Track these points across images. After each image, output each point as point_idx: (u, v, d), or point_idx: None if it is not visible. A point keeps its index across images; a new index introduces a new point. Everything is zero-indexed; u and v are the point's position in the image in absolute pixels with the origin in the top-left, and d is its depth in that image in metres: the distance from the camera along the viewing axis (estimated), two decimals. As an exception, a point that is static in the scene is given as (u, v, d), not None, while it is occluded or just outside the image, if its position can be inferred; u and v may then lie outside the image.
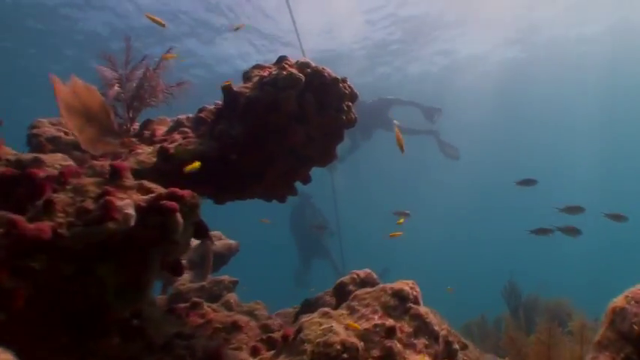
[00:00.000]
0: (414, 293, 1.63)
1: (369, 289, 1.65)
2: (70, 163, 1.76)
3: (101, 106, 2.38)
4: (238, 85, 1.87)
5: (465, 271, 24.26)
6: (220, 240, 3.68)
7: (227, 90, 1.80)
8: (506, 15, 10.50)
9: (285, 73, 1.69)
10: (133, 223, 1.35)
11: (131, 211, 1.35)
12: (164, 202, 1.40)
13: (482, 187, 24.34)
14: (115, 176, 1.49)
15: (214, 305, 2.40)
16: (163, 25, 2.94)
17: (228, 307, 2.98)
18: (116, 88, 2.48)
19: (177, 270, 1.55)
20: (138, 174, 1.84)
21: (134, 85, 2.51)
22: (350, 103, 1.87)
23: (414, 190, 22.39)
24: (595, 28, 11.52)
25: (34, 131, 2.63)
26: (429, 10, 10.20)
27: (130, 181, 1.51)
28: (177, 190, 1.44)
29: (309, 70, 1.73)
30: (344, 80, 1.91)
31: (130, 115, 2.53)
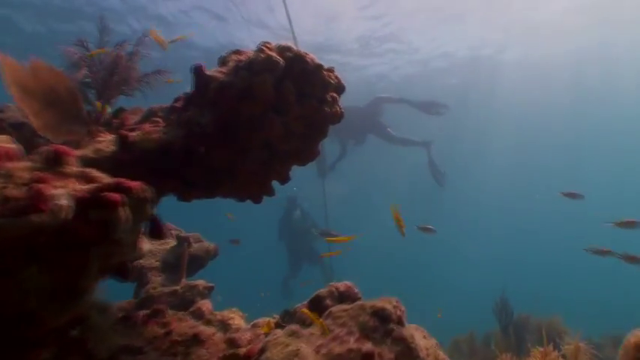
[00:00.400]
0: (398, 313, 1.42)
1: (346, 306, 1.44)
2: (12, 146, 1.54)
3: (68, 91, 2.18)
4: (212, 69, 1.67)
5: (460, 283, 24.05)
6: (199, 242, 3.45)
7: (198, 73, 1.60)
8: (510, 14, 10.35)
9: (262, 55, 1.49)
10: (66, 216, 1.14)
11: (65, 202, 1.14)
12: (106, 193, 1.19)
13: (482, 199, 24.22)
14: (55, 162, 1.28)
15: (180, 314, 2.18)
16: (165, 47, 2.80)
17: (200, 314, 2.76)
18: (84, 71, 2.30)
19: (122, 274, 1.33)
20: (93, 163, 1.63)
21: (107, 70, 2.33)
22: (335, 95, 1.67)
23: (412, 198, 22.16)
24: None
25: (-1, 116, 2.42)
26: (427, 5, 10.01)
27: (72, 168, 1.30)
28: (124, 180, 1.23)
29: (289, 54, 1.53)
30: (330, 70, 1.71)
31: (102, 102, 2.34)
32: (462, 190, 21.11)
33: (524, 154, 20.94)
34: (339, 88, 1.71)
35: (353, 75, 12.25)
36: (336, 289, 1.71)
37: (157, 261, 3.26)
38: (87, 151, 1.71)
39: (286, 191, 10.21)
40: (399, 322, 1.41)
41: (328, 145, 7.89)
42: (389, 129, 8.19)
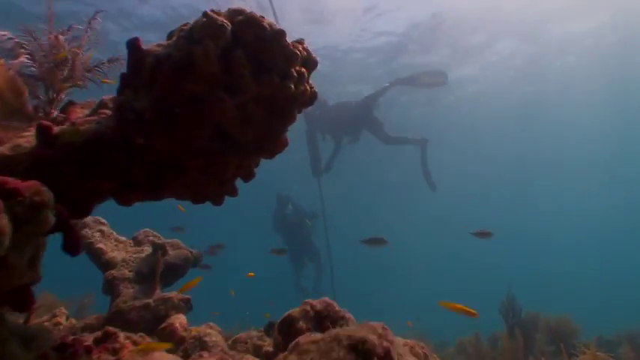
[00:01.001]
0: (384, 344, 1.10)
1: (316, 337, 1.12)
2: None
3: (8, 83, 1.88)
4: (151, 44, 1.36)
5: (463, 281, 23.68)
6: (177, 249, 3.15)
7: (132, 48, 1.29)
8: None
9: (203, 19, 1.18)
10: None
11: None
12: (-18, 199, 0.88)
13: (482, 196, 23.81)
14: None
15: (137, 335, 1.87)
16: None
17: (171, 331, 2.46)
18: (23, 59, 2.00)
19: (19, 302, 1.02)
20: (7, 162, 1.33)
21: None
22: (303, 70, 1.35)
23: (411, 199, 21.73)
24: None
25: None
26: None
27: (-52, 166, 1.00)
28: (7, 180, 0.93)
29: (240, 17, 1.22)
30: (299, 41, 1.40)
31: (51, 95, 2.05)
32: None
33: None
34: (309, 62, 1.39)
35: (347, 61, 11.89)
36: (312, 307, 1.40)
37: (130, 271, 2.96)
38: (3, 148, 1.42)
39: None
40: (387, 358, 1.09)
41: (321, 143, 7.59)
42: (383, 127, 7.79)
